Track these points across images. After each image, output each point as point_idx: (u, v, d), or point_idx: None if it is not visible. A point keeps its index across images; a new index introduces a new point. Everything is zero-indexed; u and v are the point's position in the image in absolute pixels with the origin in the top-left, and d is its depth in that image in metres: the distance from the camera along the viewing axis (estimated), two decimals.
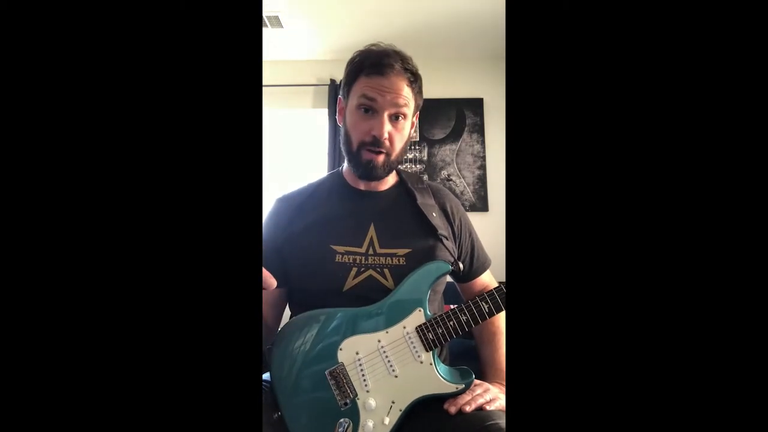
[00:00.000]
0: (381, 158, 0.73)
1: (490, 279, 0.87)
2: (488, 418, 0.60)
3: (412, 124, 0.78)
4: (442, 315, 0.66)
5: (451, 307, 0.70)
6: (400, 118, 0.73)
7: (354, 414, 0.63)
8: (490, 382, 0.71)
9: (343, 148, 0.78)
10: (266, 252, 0.74)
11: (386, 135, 0.71)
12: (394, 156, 0.74)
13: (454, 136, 2.58)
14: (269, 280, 0.53)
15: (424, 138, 2.57)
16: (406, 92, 0.72)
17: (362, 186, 0.80)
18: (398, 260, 0.72)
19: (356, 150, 0.74)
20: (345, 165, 0.82)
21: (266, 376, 0.72)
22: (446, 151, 2.57)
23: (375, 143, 0.72)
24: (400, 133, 0.74)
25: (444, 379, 0.65)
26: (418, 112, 0.79)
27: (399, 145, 0.74)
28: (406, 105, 0.72)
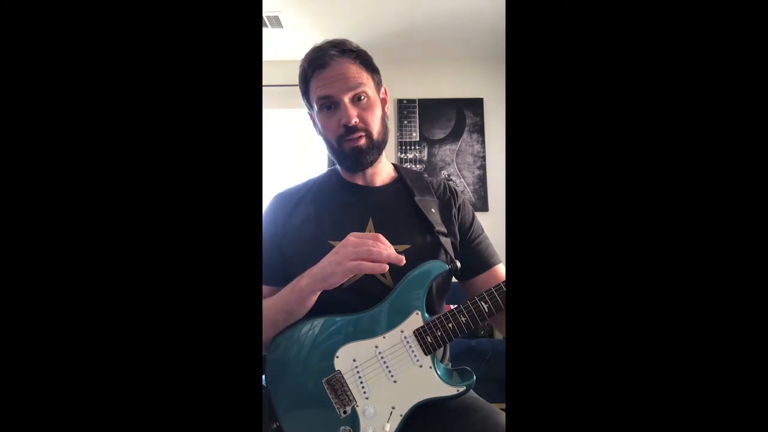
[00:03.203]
0: (363, 141, 0.72)
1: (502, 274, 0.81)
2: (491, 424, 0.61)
3: (384, 100, 0.78)
4: (440, 317, 0.65)
5: (451, 307, 0.68)
6: (362, 98, 0.72)
7: (354, 421, 0.62)
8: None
9: (329, 154, 0.78)
10: (268, 249, 0.73)
11: (355, 119, 0.71)
12: (375, 135, 0.74)
13: (454, 136, 2.58)
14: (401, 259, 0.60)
15: (424, 138, 2.57)
16: (354, 71, 0.71)
17: (359, 181, 0.80)
18: None
19: (338, 147, 0.74)
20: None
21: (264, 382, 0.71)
22: (446, 151, 2.57)
23: (349, 131, 0.71)
24: (370, 110, 0.73)
25: (444, 382, 0.64)
26: (384, 87, 0.79)
27: (375, 122, 0.73)
28: (361, 83, 0.72)
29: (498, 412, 0.64)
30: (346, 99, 0.71)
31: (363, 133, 0.72)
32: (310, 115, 0.79)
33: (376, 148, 0.74)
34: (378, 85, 0.77)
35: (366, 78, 0.73)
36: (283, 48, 2.47)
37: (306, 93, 0.76)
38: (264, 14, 2.15)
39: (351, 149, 0.73)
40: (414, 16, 2.20)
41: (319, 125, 0.76)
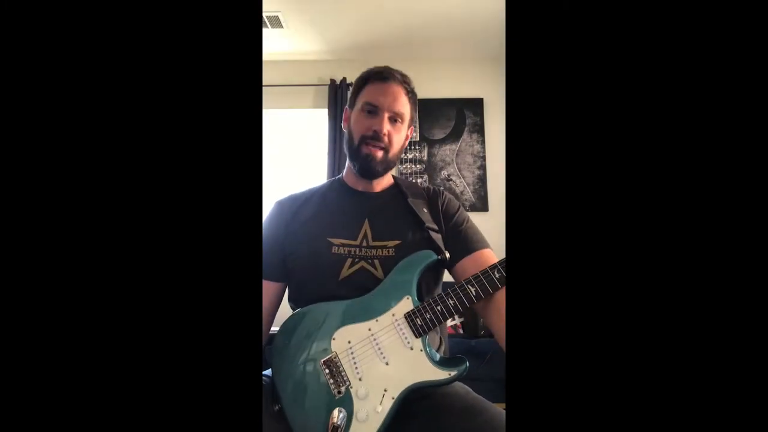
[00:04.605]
0: (380, 153, 0.80)
1: (487, 259, 0.80)
2: (483, 410, 0.63)
3: (407, 136, 0.87)
4: (429, 301, 0.68)
5: None
6: (398, 121, 0.82)
7: (348, 403, 0.65)
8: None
9: (345, 147, 0.87)
10: (268, 248, 0.80)
11: (386, 131, 0.80)
12: (391, 154, 0.82)
13: (454, 136, 2.58)
14: None
15: (424, 138, 2.57)
16: (404, 100, 0.82)
17: (360, 187, 0.87)
18: (388, 251, 0.77)
19: (357, 145, 0.81)
20: (345, 170, 0.90)
21: (269, 372, 0.75)
22: (446, 151, 2.57)
23: (375, 137, 0.80)
24: (398, 134, 0.82)
25: (435, 366, 0.65)
26: (413, 126, 0.89)
27: (397, 145, 0.82)
28: (403, 111, 0.82)
29: (503, 413, 0.65)
30: (387, 114, 0.80)
31: (383, 147, 0.81)
32: (346, 110, 0.89)
33: (386, 164, 0.82)
34: (412, 122, 0.87)
35: (408, 110, 0.84)
36: (283, 48, 2.47)
37: (356, 93, 0.86)
38: (264, 14, 2.16)
39: (366, 154, 0.81)
40: (414, 16, 2.20)
41: (352, 122, 0.85)
